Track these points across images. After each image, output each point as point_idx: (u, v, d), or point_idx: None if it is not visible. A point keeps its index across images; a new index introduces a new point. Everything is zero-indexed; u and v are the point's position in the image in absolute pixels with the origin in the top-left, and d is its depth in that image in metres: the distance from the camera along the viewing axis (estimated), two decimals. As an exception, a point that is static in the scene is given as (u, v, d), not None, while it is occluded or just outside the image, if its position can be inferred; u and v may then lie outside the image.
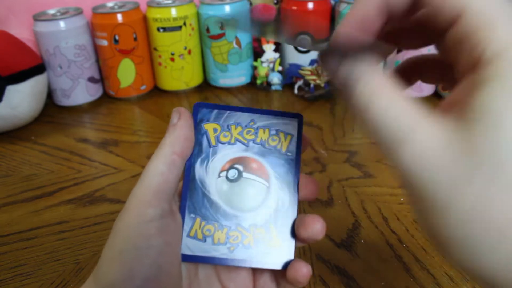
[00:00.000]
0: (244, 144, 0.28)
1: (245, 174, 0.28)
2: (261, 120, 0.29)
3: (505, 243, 0.15)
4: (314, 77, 0.68)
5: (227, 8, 0.68)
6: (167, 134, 0.26)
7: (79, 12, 0.67)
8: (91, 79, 0.70)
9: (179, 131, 0.27)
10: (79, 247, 0.41)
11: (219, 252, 0.27)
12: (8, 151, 0.59)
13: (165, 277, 0.24)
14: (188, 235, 0.27)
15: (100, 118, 0.68)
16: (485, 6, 0.16)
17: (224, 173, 0.28)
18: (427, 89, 0.67)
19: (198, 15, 0.70)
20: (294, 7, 0.69)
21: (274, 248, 0.27)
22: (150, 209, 0.24)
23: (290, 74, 0.72)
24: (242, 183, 0.28)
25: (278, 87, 0.73)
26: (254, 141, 0.29)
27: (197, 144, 0.28)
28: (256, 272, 0.29)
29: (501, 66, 0.15)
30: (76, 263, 0.39)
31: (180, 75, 0.72)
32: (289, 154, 0.29)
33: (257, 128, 0.29)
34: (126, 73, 0.71)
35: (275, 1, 0.76)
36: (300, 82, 0.71)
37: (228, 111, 0.29)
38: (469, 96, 0.16)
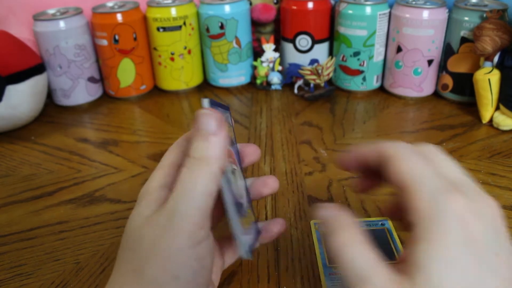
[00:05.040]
0: None
1: (233, 166, 0.29)
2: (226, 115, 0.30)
3: None
4: (314, 77, 0.68)
5: (227, 8, 0.68)
6: (209, 145, 0.24)
7: (79, 12, 0.67)
8: (91, 79, 0.70)
9: (222, 143, 0.25)
10: (79, 247, 0.41)
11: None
12: (8, 151, 0.59)
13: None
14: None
15: (100, 118, 0.68)
16: (415, 183, 0.23)
17: (229, 168, 0.28)
18: (427, 88, 0.67)
19: (198, 15, 0.70)
20: (294, 7, 0.69)
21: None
22: (201, 230, 0.24)
23: (290, 74, 0.72)
24: (236, 174, 0.29)
25: (278, 87, 0.73)
26: None
27: None
28: (222, 246, 0.32)
29: (424, 231, 0.21)
30: (76, 263, 0.39)
31: (180, 75, 0.72)
32: (234, 140, 0.31)
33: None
34: (126, 73, 0.71)
35: (275, 1, 0.76)
36: (300, 82, 0.71)
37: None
38: (409, 252, 0.21)
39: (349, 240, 0.23)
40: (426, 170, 0.23)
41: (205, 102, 0.26)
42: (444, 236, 0.21)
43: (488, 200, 0.23)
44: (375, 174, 0.27)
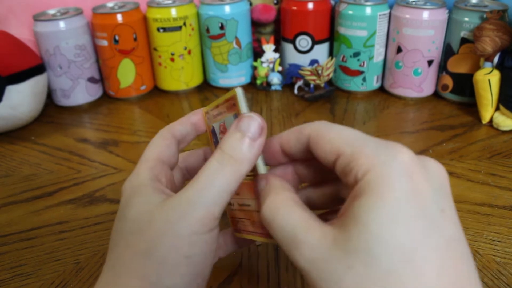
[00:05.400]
0: None
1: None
2: None
3: None
4: (314, 77, 0.68)
5: (227, 9, 0.68)
6: (247, 148, 0.24)
7: (79, 12, 0.67)
8: (91, 79, 0.70)
9: (259, 149, 0.25)
10: (79, 247, 0.41)
11: None
12: (8, 151, 0.59)
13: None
14: None
15: (100, 118, 0.68)
16: (353, 145, 0.21)
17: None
18: (427, 89, 0.67)
19: (198, 15, 0.70)
20: (294, 7, 0.69)
21: None
22: (216, 221, 0.24)
23: (290, 74, 0.72)
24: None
25: (278, 87, 0.73)
26: None
27: None
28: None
29: (366, 184, 0.20)
30: (76, 263, 0.39)
31: (180, 75, 0.72)
32: None
33: None
34: (126, 73, 0.71)
35: (275, 1, 0.76)
36: (300, 82, 0.71)
37: None
38: (348, 207, 0.20)
39: (280, 204, 0.23)
40: (360, 134, 0.22)
41: (239, 91, 0.26)
42: (387, 188, 0.19)
43: (433, 159, 0.22)
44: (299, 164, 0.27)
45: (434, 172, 0.21)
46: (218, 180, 0.24)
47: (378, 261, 0.18)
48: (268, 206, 0.23)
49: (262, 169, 0.27)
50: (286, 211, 0.22)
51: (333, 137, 0.23)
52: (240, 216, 0.30)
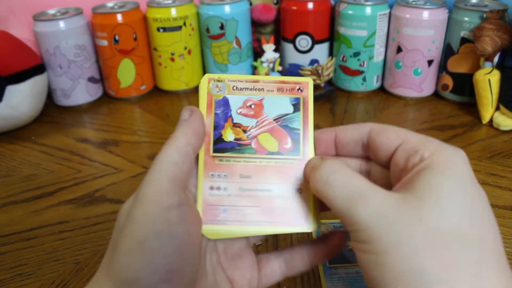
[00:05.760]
0: None
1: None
2: None
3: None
4: (314, 77, 0.68)
5: (227, 9, 0.68)
6: (179, 128, 0.26)
7: (79, 12, 0.67)
8: (91, 79, 0.70)
9: (192, 125, 0.26)
10: (79, 247, 0.41)
11: None
12: (8, 151, 0.59)
13: (187, 268, 0.24)
14: None
15: (100, 118, 0.68)
16: (418, 136, 0.24)
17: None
18: (427, 89, 0.67)
19: (198, 15, 0.70)
20: (294, 7, 0.69)
21: None
22: (168, 196, 0.23)
23: (290, 74, 0.72)
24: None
25: (278, 87, 0.73)
26: None
27: None
28: (263, 261, 0.29)
29: (435, 160, 0.22)
30: (76, 263, 0.39)
31: (180, 75, 0.72)
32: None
33: None
34: (126, 73, 0.71)
35: (275, 1, 0.76)
36: (300, 82, 0.71)
37: None
38: (413, 180, 0.22)
39: (343, 165, 0.24)
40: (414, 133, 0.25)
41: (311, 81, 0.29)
42: (454, 165, 0.21)
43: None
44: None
45: (467, 160, 0.24)
46: (158, 156, 0.25)
47: (449, 217, 0.20)
48: (329, 164, 0.24)
49: (312, 152, 0.28)
50: (350, 172, 0.23)
51: (398, 129, 0.25)
52: (236, 204, 0.27)
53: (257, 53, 0.75)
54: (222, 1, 0.69)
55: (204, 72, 0.76)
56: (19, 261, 0.40)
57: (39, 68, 0.64)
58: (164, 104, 0.71)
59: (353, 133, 0.27)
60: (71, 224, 0.44)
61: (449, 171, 0.21)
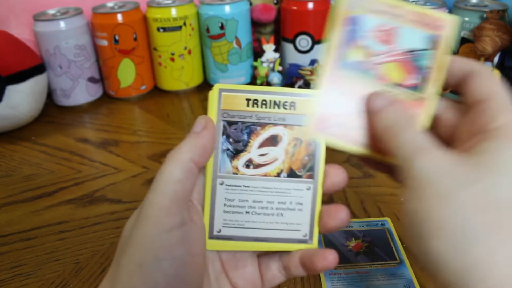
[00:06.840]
0: None
1: None
2: None
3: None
4: (314, 77, 0.68)
5: (227, 9, 0.68)
6: (187, 140, 0.25)
7: (79, 12, 0.67)
8: (91, 79, 0.70)
9: (201, 140, 0.25)
10: (79, 247, 0.41)
11: None
12: (8, 151, 0.59)
13: (189, 287, 0.24)
14: None
15: (100, 118, 0.68)
16: (501, 100, 0.23)
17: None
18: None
19: (198, 15, 0.70)
20: (294, 7, 0.69)
21: None
22: (170, 217, 0.23)
23: (290, 74, 0.72)
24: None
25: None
26: None
27: None
28: (262, 266, 0.28)
29: (505, 133, 0.21)
30: (76, 263, 0.39)
31: (180, 75, 0.72)
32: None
33: None
34: (126, 73, 0.71)
35: (275, 1, 0.76)
36: (300, 82, 0.71)
37: None
38: (478, 144, 0.21)
39: (409, 116, 0.24)
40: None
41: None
42: None
43: None
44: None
45: None
46: (159, 174, 0.24)
47: (506, 188, 0.20)
48: (394, 111, 0.24)
49: (434, 94, 0.27)
50: (413, 123, 0.24)
51: (492, 79, 0.25)
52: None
53: (257, 53, 0.75)
54: (222, 1, 0.69)
55: (204, 72, 0.76)
56: (19, 261, 0.40)
57: (39, 68, 0.64)
58: (164, 104, 0.71)
59: (460, 64, 0.27)
60: (71, 224, 0.44)
61: None
